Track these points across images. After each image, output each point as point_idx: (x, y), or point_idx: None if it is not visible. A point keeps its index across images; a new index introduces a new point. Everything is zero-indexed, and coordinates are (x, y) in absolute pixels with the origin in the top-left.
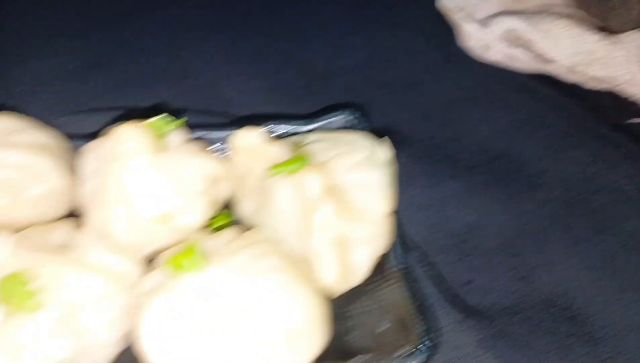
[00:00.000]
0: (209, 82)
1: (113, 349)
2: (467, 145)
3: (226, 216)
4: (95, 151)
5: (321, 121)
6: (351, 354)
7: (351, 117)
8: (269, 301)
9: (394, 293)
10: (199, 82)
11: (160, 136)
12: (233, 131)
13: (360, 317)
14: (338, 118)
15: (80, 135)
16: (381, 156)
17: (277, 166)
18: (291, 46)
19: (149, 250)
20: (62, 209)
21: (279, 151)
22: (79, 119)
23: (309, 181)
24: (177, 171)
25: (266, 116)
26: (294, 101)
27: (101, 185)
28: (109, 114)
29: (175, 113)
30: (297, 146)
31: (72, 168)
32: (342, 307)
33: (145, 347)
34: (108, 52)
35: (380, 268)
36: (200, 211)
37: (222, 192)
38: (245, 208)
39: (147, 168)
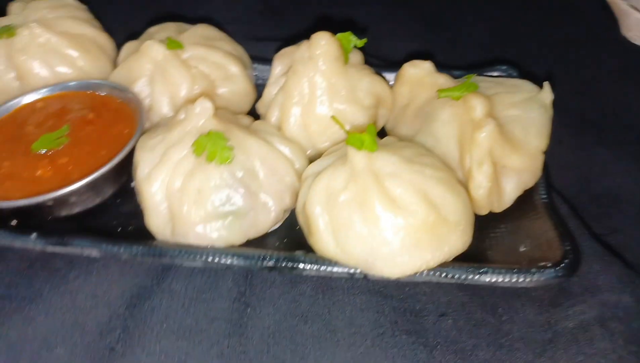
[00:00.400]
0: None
1: (275, 216)
2: (617, 121)
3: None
4: (287, 56)
5: (484, 71)
6: (492, 263)
7: (512, 71)
8: (429, 188)
9: (539, 221)
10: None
11: (346, 49)
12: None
13: (503, 238)
14: (499, 72)
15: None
16: (541, 99)
17: (445, 90)
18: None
19: (312, 147)
20: (244, 109)
21: (445, 81)
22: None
23: (474, 103)
24: (353, 82)
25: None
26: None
27: (286, 84)
28: None
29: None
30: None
31: (251, 77)
32: (487, 227)
33: (313, 212)
34: None
35: (527, 199)
36: (363, 123)
37: (381, 117)
38: (400, 135)
39: (333, 72)
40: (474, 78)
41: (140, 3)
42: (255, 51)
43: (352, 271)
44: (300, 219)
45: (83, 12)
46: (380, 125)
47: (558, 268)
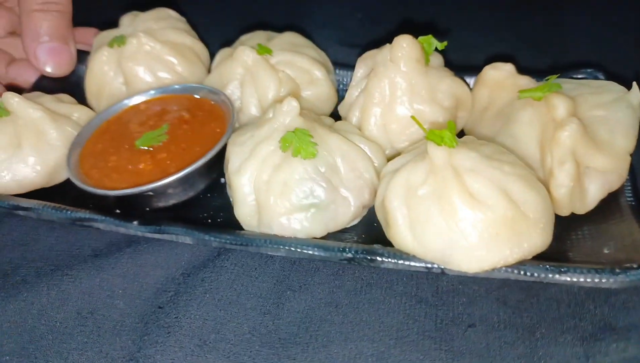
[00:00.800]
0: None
1: (355, 210)
2: None
3: None
4: (369, 59)
5: (569, 74)
6: (574, 263)
7: (597, 73)
8: (508, 184)
9: (624, 224)
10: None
11: (427, 52)
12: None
13: (585, 240)
14: (584, 75)
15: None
16: (629, 99)
17: (527, 91)
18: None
19: (391, 147)
20: (326, 112)
21: (526, 83)
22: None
23: (556, 102)
24: (433, 84)
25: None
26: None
27: (368, 86)
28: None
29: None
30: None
31: (333, 81)
32: (568, 228)
33: (391, 205)
34: None
35: (611, 201)
36: (442, 123)
37: (460, 119)
38: (479, 137)
39: (414, 74)
40: (557, 79)
41: (234, 13)
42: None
43: (429, 265)
44: (379, 214)
45: (182, 23)
46: (459, 127)
47: None
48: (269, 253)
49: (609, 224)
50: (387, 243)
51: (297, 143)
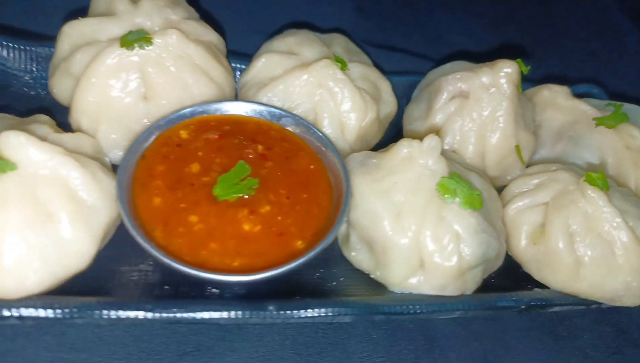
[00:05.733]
0: None
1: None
2: None
3: None
4: (455, 82)
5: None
6: None
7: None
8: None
9: None
10: None
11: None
12: None
13: None
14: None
15: None
16: None
17: (601, 119)
18: None
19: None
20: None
21: (587, 107)
22: None
23: (636, 134)
24: (524, 110)
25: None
26: None
27: (465, 112)
28: None
29: None
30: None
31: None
32: None
33: (557, 246)
34: None
35: None
36: (532, 150)
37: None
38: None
39: (514, 100)
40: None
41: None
42: None
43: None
44: (528, 253)
45: (193, 10)
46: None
47: None
48: (441, 317)
49: None
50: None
51: (461, 192)
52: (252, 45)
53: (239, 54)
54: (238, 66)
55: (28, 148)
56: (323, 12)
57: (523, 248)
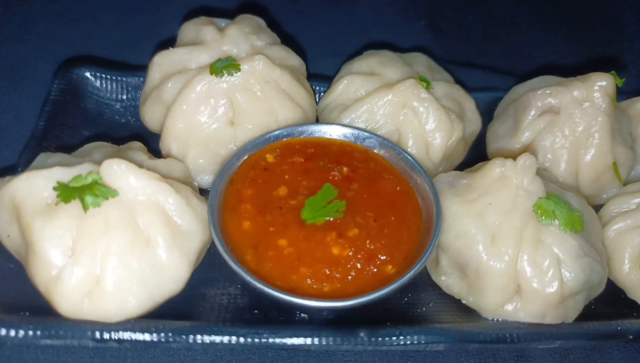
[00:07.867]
0: None
1: None
2: None
3: None
4: (543, 99)
5: None
6: None
7: None
8: None
9: None
10: None
11: None
12: None
13: None
14: None
15: None
16: None
17: None
18: None
19: None
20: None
21: None
22: None
23: None
24: (620, 124)
25: None
26: None
27: (557, 129)
28: None
29: None
30: None
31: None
32: None
33: None
34: None
35: None
36: (630, 166)
37: None
38: None
39: (610, 114)
40: None
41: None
42: None
43: None
44: (632, 278)
45: (275, 36)
46: None
47: None
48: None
49: None
50: None
51: (560, 213)
52: (329, 67)
53: (318, 76)
54: (317, 88)
55: (129, 175)
56: (398, 32)
57: (627, 272)
